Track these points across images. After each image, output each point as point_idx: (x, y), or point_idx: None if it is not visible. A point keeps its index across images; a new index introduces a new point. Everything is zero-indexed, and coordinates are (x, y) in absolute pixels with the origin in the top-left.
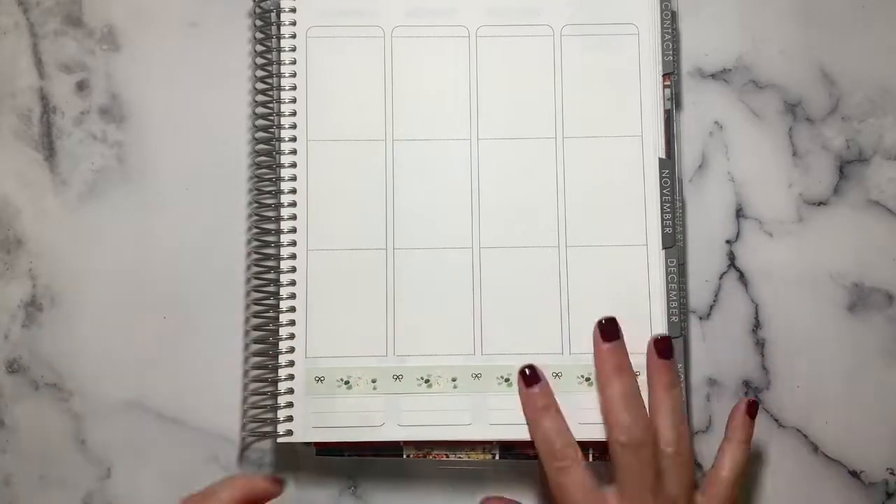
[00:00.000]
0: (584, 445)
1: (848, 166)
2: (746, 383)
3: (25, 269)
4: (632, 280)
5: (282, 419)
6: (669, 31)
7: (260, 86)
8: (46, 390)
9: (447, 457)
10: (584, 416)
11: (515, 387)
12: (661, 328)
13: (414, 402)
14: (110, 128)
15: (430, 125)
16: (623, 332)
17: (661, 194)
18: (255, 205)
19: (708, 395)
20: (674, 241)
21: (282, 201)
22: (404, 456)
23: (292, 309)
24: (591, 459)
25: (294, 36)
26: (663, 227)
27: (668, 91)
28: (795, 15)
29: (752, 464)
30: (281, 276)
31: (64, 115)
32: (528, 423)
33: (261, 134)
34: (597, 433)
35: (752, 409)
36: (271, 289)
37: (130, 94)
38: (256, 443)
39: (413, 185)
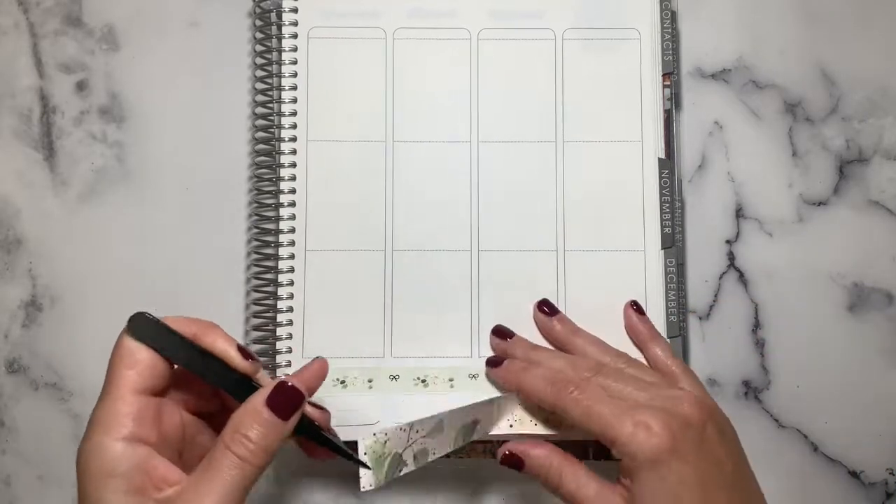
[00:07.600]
0: (584, 444)
1: (848, 166)
2: (746, 383)
3: (25, 269)
4: (631, 280)
5: None
6: (669, 31)
7: (260, 86)
8: (46, 390)
9: (447, 457)
10: None
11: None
12: (659, 328)
13: (410, 401)
14: (110, 128)
15: (430, 127)
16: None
17: (661, 194)
18: (255, 205)
19: None
20: (673, 242)
21: (281, 201)
22: None
23: (290, 309)
24: (590, 458)
25: (295, 36)
26: (662, 227)
27: (667, 91)
28: (795, 15)
29: (752, 463)
30: (280, 275)
31: (64, 115)
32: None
33: (261, 134)
34: None
35: (637, 306)
36: (270, 289)
37: (130, 94)
38: None
39: (413, 186)
